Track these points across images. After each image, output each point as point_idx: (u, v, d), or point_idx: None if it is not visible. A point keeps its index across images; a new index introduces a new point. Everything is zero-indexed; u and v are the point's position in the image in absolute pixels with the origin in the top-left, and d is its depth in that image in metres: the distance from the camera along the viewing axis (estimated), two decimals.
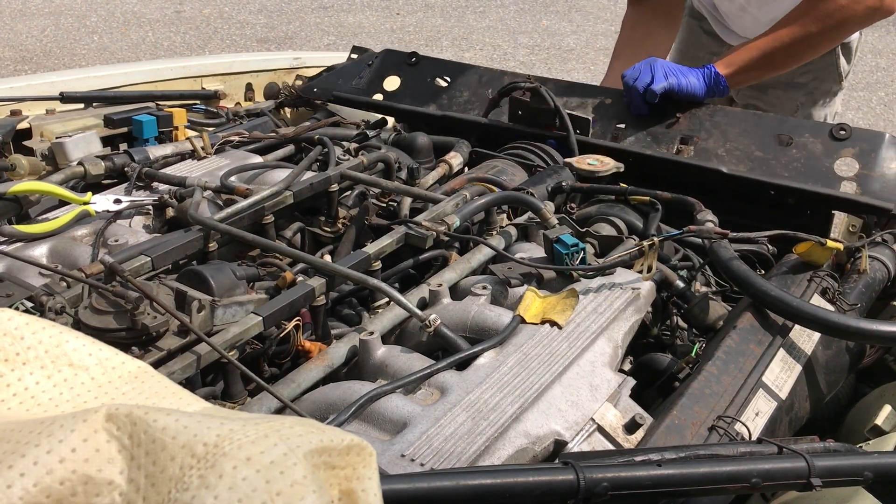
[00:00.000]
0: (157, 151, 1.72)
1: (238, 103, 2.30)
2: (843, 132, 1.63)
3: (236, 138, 1.84)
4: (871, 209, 1.55)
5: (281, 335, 1.18)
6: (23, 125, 1.89)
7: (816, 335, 1.23)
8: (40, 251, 1.39)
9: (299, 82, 2.29)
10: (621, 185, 1.63)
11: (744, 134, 1.71)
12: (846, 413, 1.40)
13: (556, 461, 0.84)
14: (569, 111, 1.84)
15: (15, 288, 1.19)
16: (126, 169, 1.64)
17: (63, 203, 1.53)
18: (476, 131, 1.95)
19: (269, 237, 1.48)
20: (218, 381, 1.15)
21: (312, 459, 0.56)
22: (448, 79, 2.09)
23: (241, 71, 2.36)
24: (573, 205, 1.62)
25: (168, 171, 1.67)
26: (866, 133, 1.64)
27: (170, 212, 1.53)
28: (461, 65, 2.13)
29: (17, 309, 1.07)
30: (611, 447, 0.99)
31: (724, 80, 1.85)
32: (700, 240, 1.41)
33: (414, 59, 2.16)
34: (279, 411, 1.00)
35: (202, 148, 1.76)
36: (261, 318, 1.12)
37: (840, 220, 1.69)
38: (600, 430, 1.00)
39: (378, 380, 1.08)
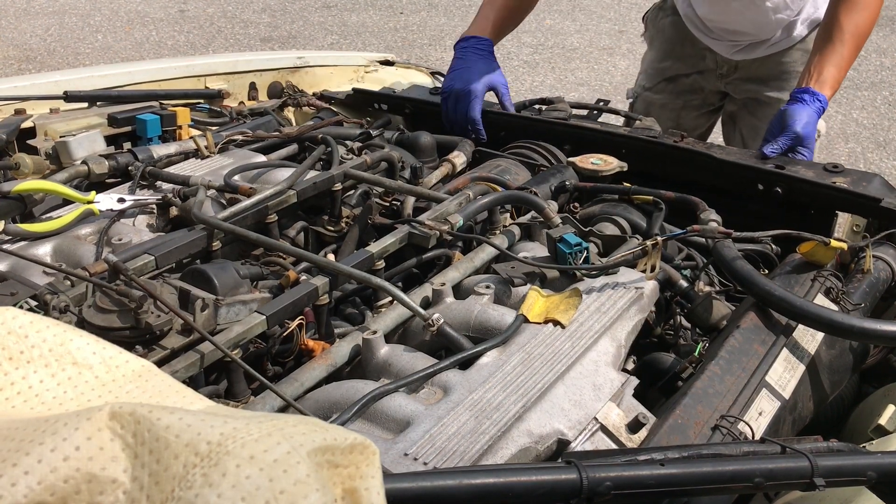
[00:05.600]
0: (160, 150, 1.72)
1: (242, 102, 2.29)
2: (836, 168, 1.64)
3: (240, 137, 1.84)
4: (861, 198, 1.54)
5: (284, 334, 1.18)
6: (27, 124, 1.89)
7: (820, 335, 1.23)
8: (44, 250, 1.40)
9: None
10: (625, 184, 1.63)
11: (733, 157, 1.72)
12: (850, 413, 1.40)
13: (560, 460, 0.84)
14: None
15: (19, 286, 1.19)
16: (130, 168, 1.64)
17: (67, 202, 1.54)
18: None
19: (272, 236, 1.48)
20: (221, 379, 1.15)
21: (316, 458, 0.56)
22: None
23: (245, 70, 2.36)
24: (576, 204, 1.62)
25: (172, 170, 1.67)
26: (858, 172, 1.66)
27: (173, 211, 1.53)
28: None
29: (21, 308, 1.07)
30: (614, 446, 0.99)
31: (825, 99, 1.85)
32: (704, 239, 1.41)
33: (438, 91, 2.19)
34: (282, 410, 1.00)
35: (206, 147, 1.76)
36: (264, 316, 1.12)
37: (844, 219, 1.69)
38: (603, 429, 1.00)
39: (381, 379, 1.08)
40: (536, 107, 2.06)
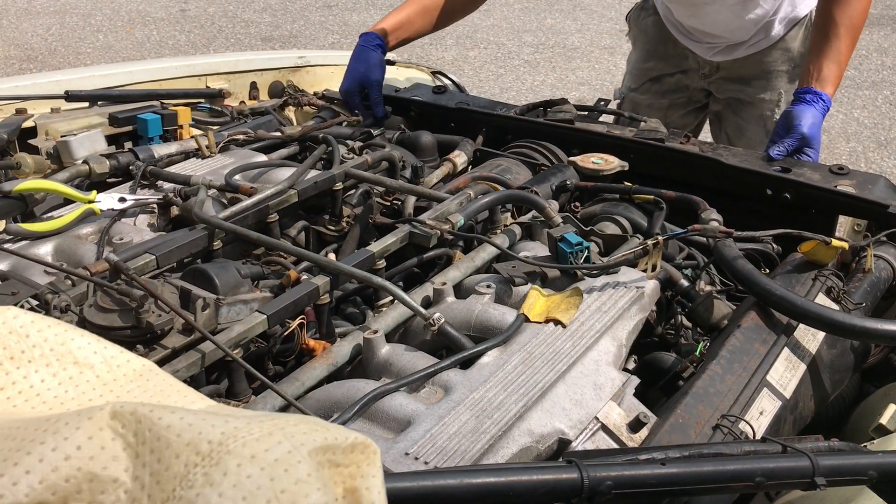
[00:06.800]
0: (161, 150, 1.72)
1: (242, 102, 2.29)
2: (841, 170, 1.64)
3: (241, 137, 1.84)
4: (870, 204, 1.54)
5: (285, 333, 1.18)
6: (28, 124, 1.90)
7: (821, 334, 1.23)
8: (45, 249, 1.40)
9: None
10: (626, 183, 1.63)
11: (743, 163, 1.72)
12: (851, 412, 1.40)
13: (560, 460, 0.84)
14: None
15: (20, 286, 1.19)
16: (131, 167, 1.64)
17: (68, 201, 1.54)
18: (486, 124, 1.98)
19: (273, 236, 1.48)
20: (222, 379, 1.15)
21: (317, 457, 0.56)
22: (468, 104, 2.11)
23: (246, 70, 2.36)
24: (577, 203, 1.62)
25: (172, 169, 1.67)
26: (863, 174, 1.66)
27: (174, 210, 1.53)
28: (485, 99, 2.17)
29: (22, 307, 1.07)
30: (615, 446, 0.99)
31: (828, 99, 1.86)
32: (705, 238, 1.41)
33: (442, 90, 2.20)
34: (283, 409, 1.00)
35: (207, 146, 1.76)
36: (265, 316, 1.12)
37: (845, 219, 1.69)
38: (604, 428, 1.00)
39: (382, 378, 1.08)
40: (540, 109, 2.05)
